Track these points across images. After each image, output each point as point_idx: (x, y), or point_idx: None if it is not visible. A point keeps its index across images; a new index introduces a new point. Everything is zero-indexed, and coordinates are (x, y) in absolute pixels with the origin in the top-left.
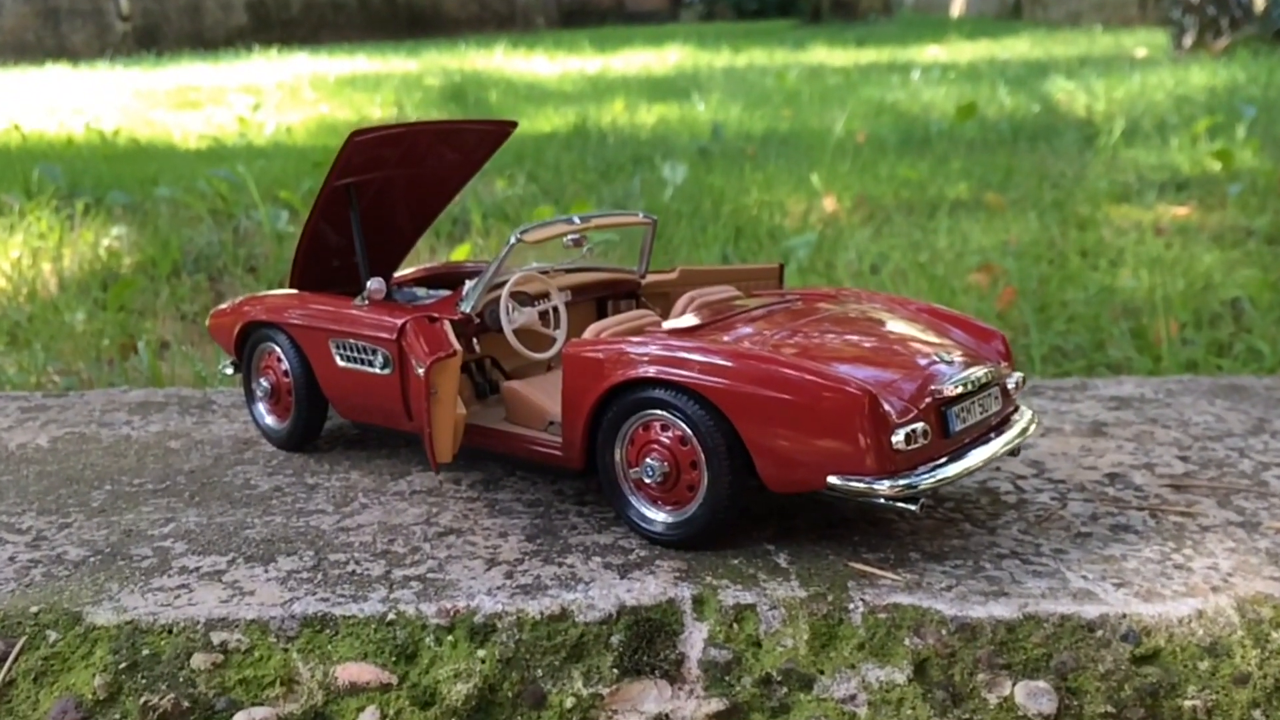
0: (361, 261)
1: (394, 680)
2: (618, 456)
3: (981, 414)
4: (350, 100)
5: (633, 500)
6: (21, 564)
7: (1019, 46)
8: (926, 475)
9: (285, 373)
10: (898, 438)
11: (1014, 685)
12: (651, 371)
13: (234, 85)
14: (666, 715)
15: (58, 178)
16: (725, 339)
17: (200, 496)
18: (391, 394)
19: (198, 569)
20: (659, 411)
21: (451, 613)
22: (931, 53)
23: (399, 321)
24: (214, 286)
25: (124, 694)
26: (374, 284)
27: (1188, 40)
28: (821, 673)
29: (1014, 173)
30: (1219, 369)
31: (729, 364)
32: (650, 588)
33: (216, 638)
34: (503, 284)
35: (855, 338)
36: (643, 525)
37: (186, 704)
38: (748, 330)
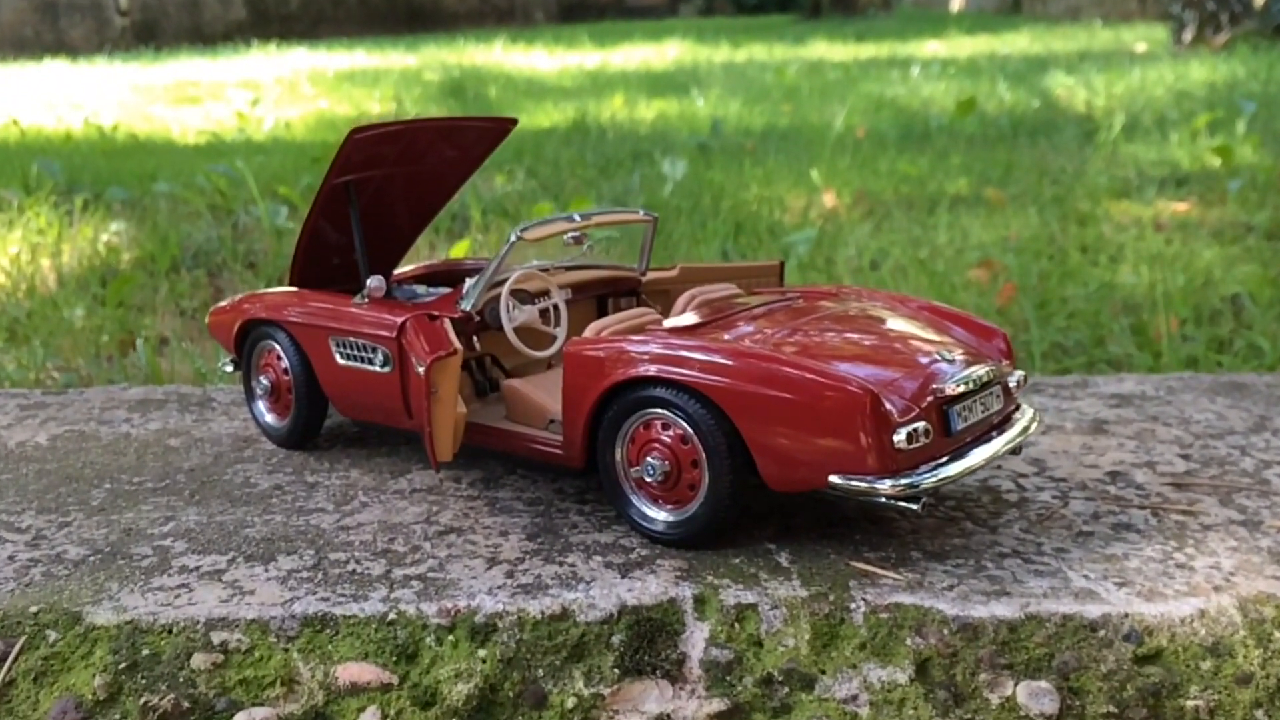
0: (361, 259)
1: (395, 680)
2: (618, 455)
3: (983, 413)
4: (349, 95)
5: (634, 499)
6: (21, 563)
7: (1019, 41)
8: (928, 474)
9: (285, 371)
10: (899, 437)
11: (1016, 685)
12: (652, 370)
13: (233, 80)
14: (668, 715)
15: (56, 173)
16: (726, 337)
17: (200, 495)
18: (392, 392)
19: (198, 568)
20: (660, 410)
21: (452, 612)
22: (931, 48)
23: (399, 319)
24: (213, 282)
25: (124, 694)
26: (374, 282)
27: (1187, 35)
28: (823, 673)
29: (1014, 168)
30: (1219, 365)
31: (730, 363)
32: (651, 587)
33: (217, 638)
34: (503, 282)
35: (856, 336)
36: (644, 524)
37: (187, 704)
38: (749, 329)
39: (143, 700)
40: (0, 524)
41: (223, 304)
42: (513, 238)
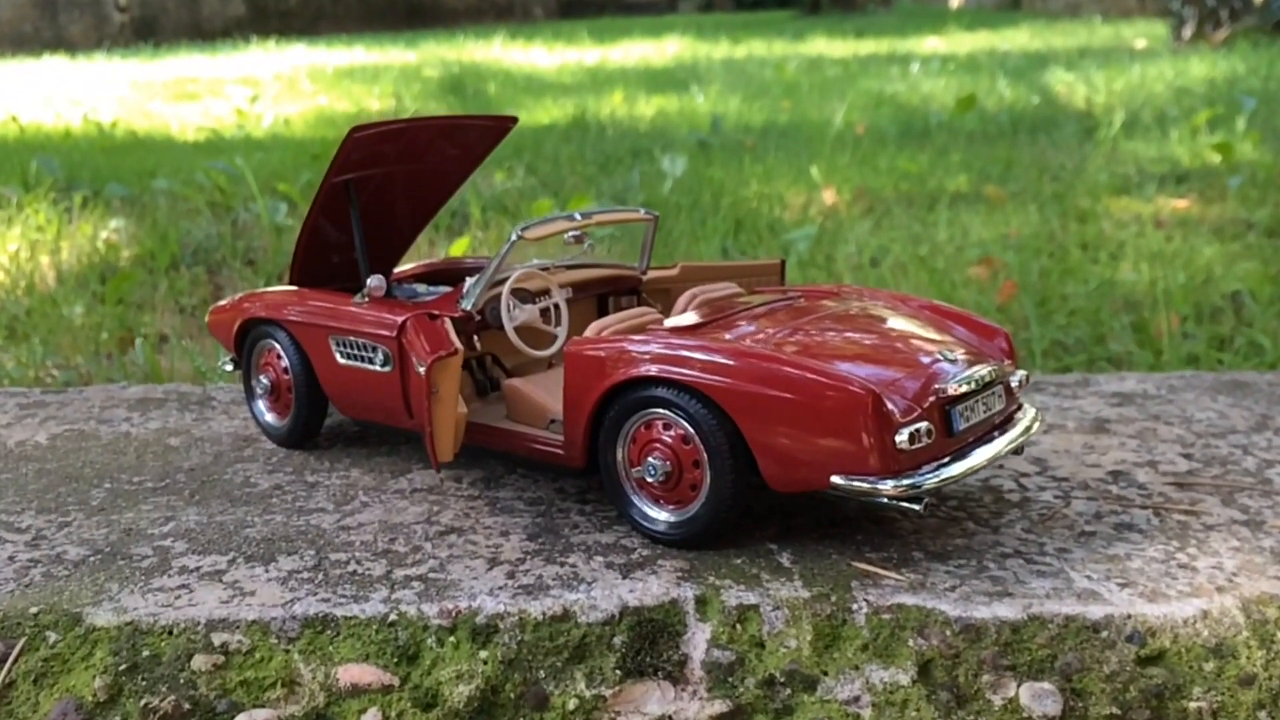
0: (361, 257)
1: (396, 681)
2: (620, 455)
3: (985, 412)
4: (348, 92)
5: (635, 499)
6: (21, 564)
7: (1018, 38)
8: (930, 475)
9: (285, 370)
10: (901, 437)
11: (1019, 686)
12: (653, 370)
13: (232, 77)
14: (670, 717)
15: (55, 170)
16: (727, 337)
17: (200, 495)
18: (392, 391)
19: (198, 569)
20: (661, 410)
21: (453, 613)
22: (931, 44)
23: (399, 319)
24: (212, 279)
25: (124, 696)
26: (374, 281)
27: (1187, 31)
28: (825, 674)
29: (1014, 165)
30: (1220, 363)
31: (731, 363)
32: (653, 588)
33: (217, 639)
34: (504, 281)
35: (858, 336)
36: (645, 524)
37: (187, 706)
38: (750, 328)
39: (143, 702)
40: (0, 524)
41: (222, 303)
42: (513, 237)
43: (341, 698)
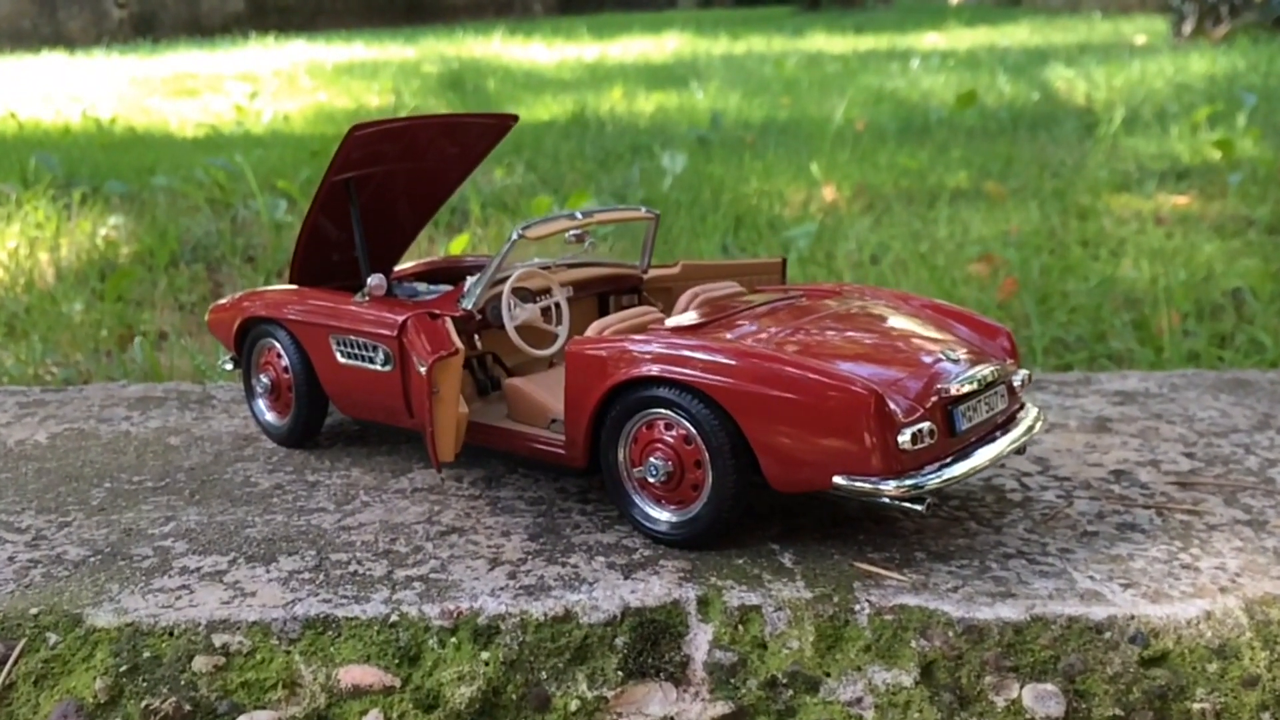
0: (362, 256)
1: (397, 683)
2: (621, 456)
3: (988, 412)
4: (348, 88)
5: (636, 499)
6: (21, 564)
7: (1018, 33)
8: (933, 475)
9: (285, 369)
10: (904, 437)
11: (1022, 688)
12: (655, 370)
13: (231, 73)
14: (672, 718)
15: (54, 166)
16: (729, 337)
17: (200, 494)
18: (393, 391)
19: (198, 569)
20: (663, 410)
21: (455, 614)
22: (930, 40)
23: (400, 318)
24: (212, 276)
25: (125, 697)
26: (374, 280)
27: (1187, 27)
28: (828, 675)
29: (1014, 161)
30: (1220, 360)
31: (733, 362)
32: (654, 588)
33: (218, 640)
34: (505, 280)
35: (860, 335)
36: (646, 524)
37: (188, 707)
38: (751, 328)
39: (144, 703)
40: (0, 524)
41: (222, 301)
42: (514, 236)
43: (343, 699)
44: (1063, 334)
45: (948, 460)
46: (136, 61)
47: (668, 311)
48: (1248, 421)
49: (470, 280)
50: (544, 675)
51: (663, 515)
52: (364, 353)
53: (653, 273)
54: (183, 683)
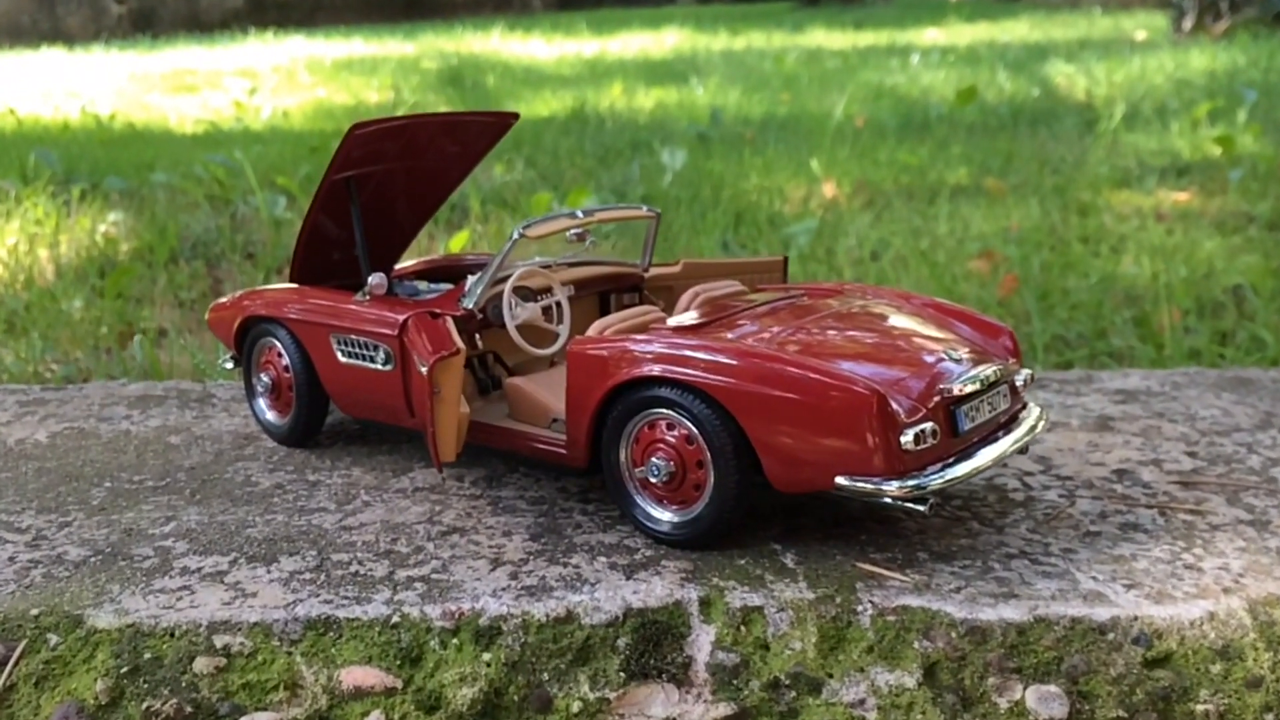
0: (362, 255)
1: (399, 684)
2: (623, 456)
3: (990, 412)
4: (347, 84)
5: (638, 500)
6: (21, 564)
7: (1018, 29)
8: (935, 476)
9: (286, 368)
10: (906, 438)
11: (1025, 689)
12: (656, 370)
13: (230, 69)
14: (674, 719)
15: (54, 163)
16: (730, 336)
17: (201, 494)
18: (393, 390)
19: (199, 569)
20: (665, 410)
21: (456, 615)
22: (930, 35)
23: (401, 317)
24: (212, 273)
25: (126, 699)
26: (375, 279)
27: (1187, 23)
28: (830, 676)
29: (1014, 158)
30: (1221, 358)
31: (735, 362)
32: (656, 589)
33: (219, 641)
34: (506, 279)
35: (862, 335)
36: (648, 525)
37: (189, 709)
38: (753, 327)
39: (145, 705)
40: (0, 524)
41: (223, 300)
42: (515, 235)
43: (344, 700)
44: (1063, 331)
45: (950, 460)
46: (135, 57)
47: (669, 310)
48: (1250, 420)
49: (471, 279)
50: (546, 676)
51: (665, 515)
52: (365, 352)
53: (654, 271)
54: (184, 684)
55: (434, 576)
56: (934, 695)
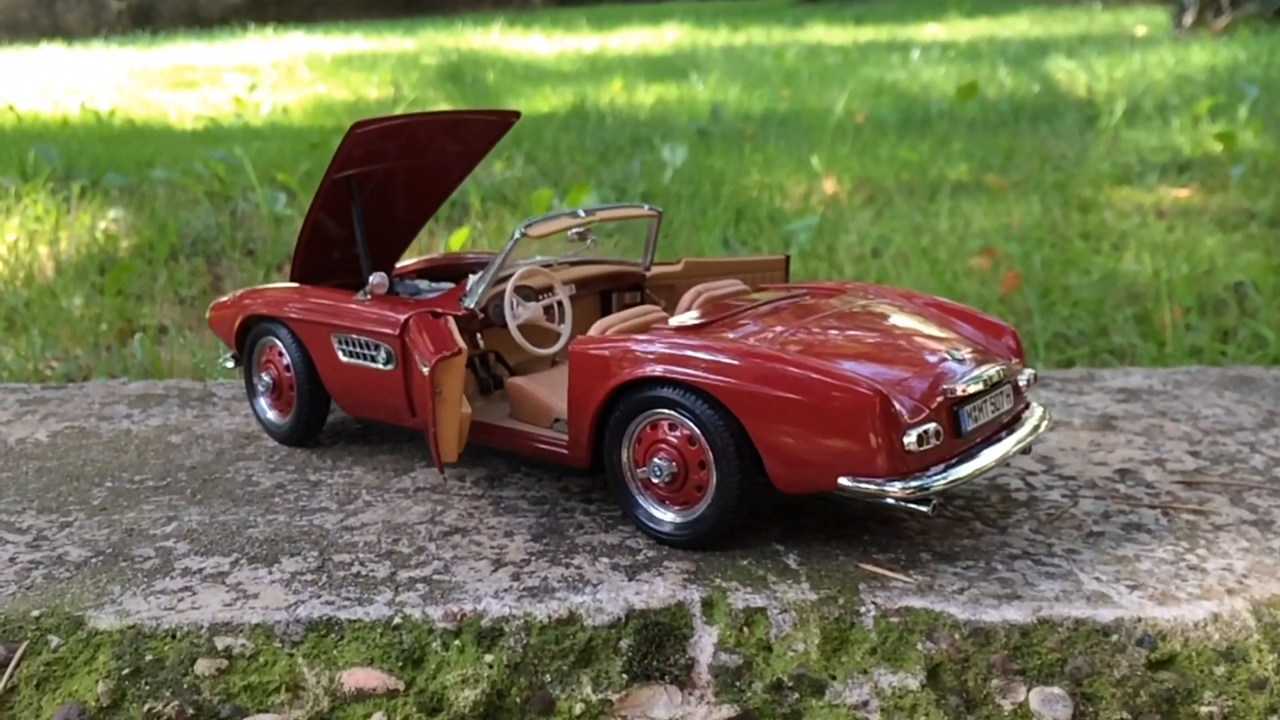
0: (363, 253)
1: (401, 686)
2: (625, 456)
3: (993, 413)
4: (347, 80)
5: (640, 500)
6: (22, 565)
7: (1019, 25)
8: (938, 476)
9: (287, 367)
10: (910, 439)
11: (1029, 691)
12: (658, 370)
13: (229, 65)
14: None
15: (54, 159)
16: (732, 336)
17: (202, 494)
18: (395, 390)
19: (200, 570)
20: (667, 411)
21: (458, 616)
22: (931, 31)
23: (402, 317)
24: (212, 270)
25: (127, 700)
26: (376, 278)
27: (1188, 19)
28: (833, 678)
29: (1015, 154)
30: (1223, 355)
31: (737, 363)
32: (659, 590)
33: (220, 643)
34: (507, 278)
35: (864, 335)
36: (650, 525)
37: (191, 711)
38: (755, 327)
39: (146, 707)
40: (1, 524)
41: (223, 299)
42: (516, 234)
43: (346, 702)
44: (1064, 329)
45: (953, 461)
46: (135, 53)
47: (671, 309)
48: (1253, 419)
49: (472, 279)
50: (548, 678)
51: (667, 516)
52: (366, 351)
53: (655, 270)
54: (185, 686)
55: (436, 577)
56: (937, 697)
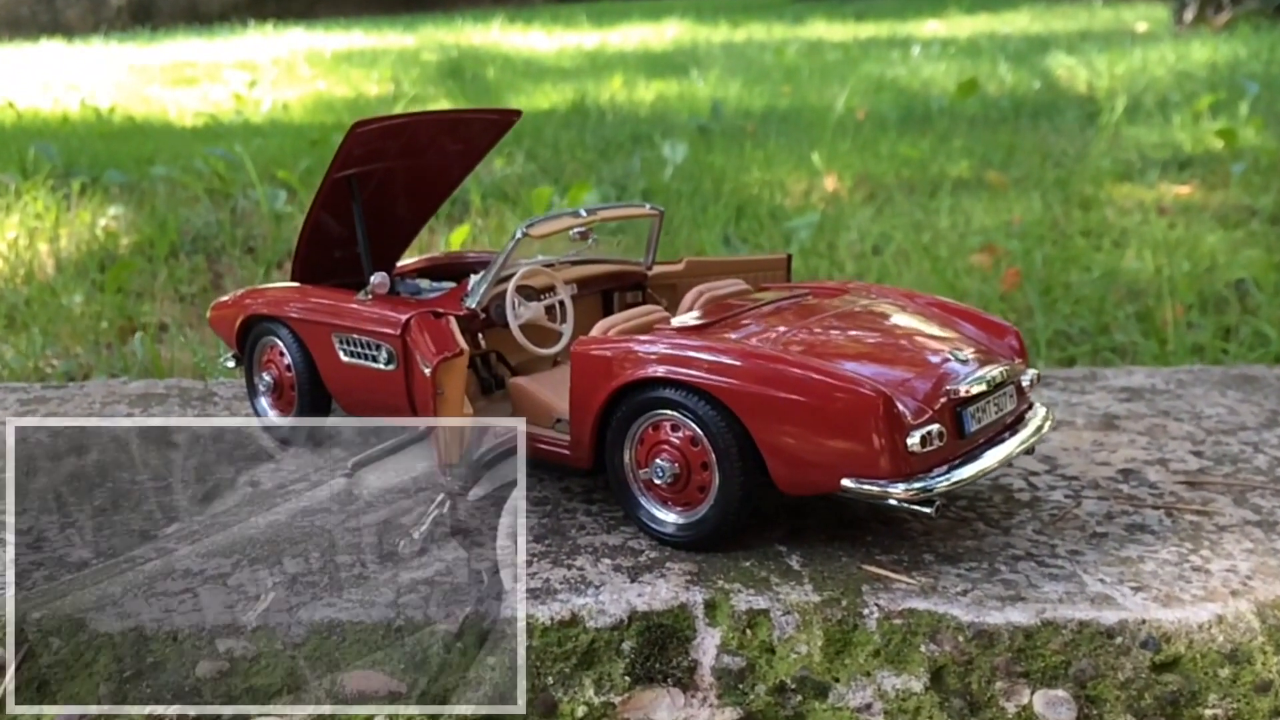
0: (364, 253)
1: (403, 688)
2: (627, 457)
3: (997, 413)
4: (347, 77)
5: (643, 501)
6: (23, 566)
7: (1019, 20)
8: (942, 478)
9: (288, 367)
10: (913, 440)
11: (1032, 694)
12: (660, 371)
13: (229, 61)
14: None
15: (54, 156)
16: (734, 337)
17: (203, 495)
18: (396, 390)
19: (202, 571)
20: (669, 411)
21: (460, 617)
22: (931, 27)
23: (403, 317)
24: (212, 267)
25: (129, 703)
26: (378, 278)
27: (1189, 15)
28: (836, 680)
29: (1016, 151)
30: (1224, 353)
31: (739, 364)
32: (661, 592)
33: (222, 645)
34: (509, 278)
35: (867, 335)
36: (653, 526)
37: (193, 713)
38: (758, 327)
39: (148, 710)
40: (2, 525)
41: (224, 299)
42: (518, 234)
43: (348, 704)
44: (1066, 326)
45: (956, 462)
46: (135, 50)
47: (673, 309)
48: (1256, 419)
49: (474, 278)
50: (550, 680)
51: (669, 517)
52: (367, 351)
53: (657, 269)
54: (187, 689)
55: (437, 579)
56: (941, 699)
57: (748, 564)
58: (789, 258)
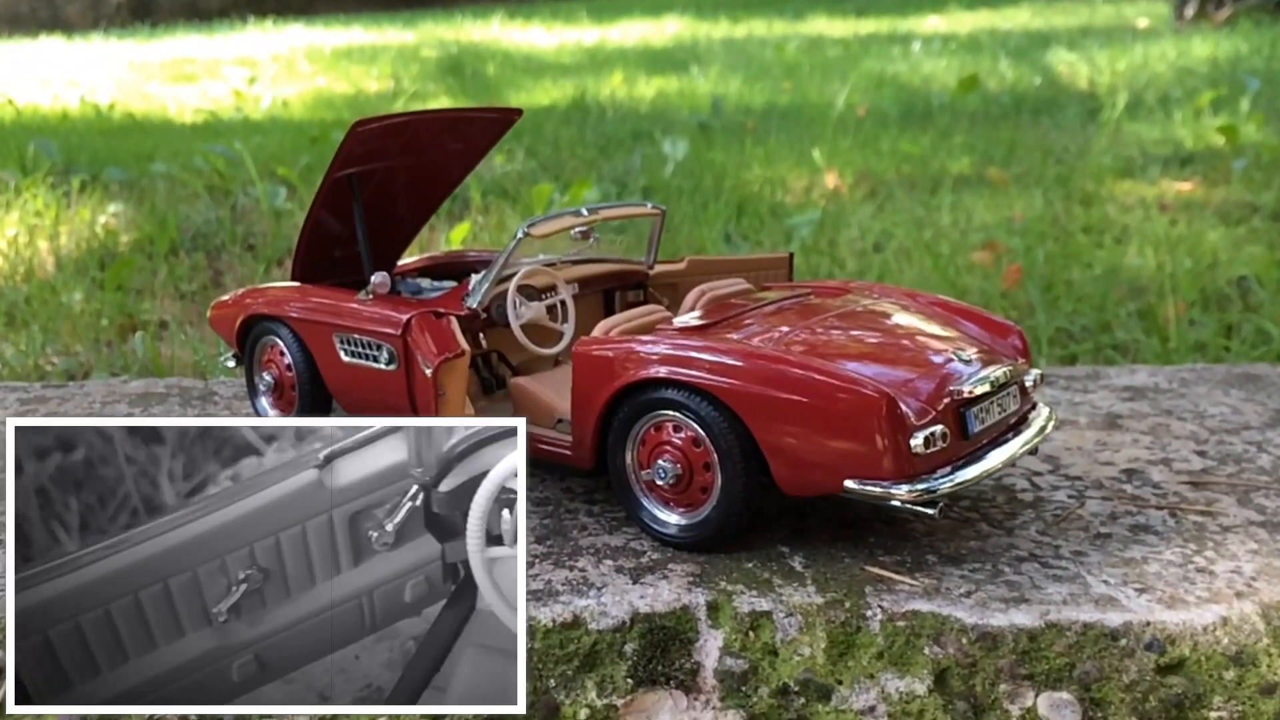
0: (364, 252)
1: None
2: (629, 458)
3: (1000, 414)
4: (347, 73)
5: (645, 502)
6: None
7: (1020, 16)
8: (945, 479)
9: (288, 367)
10: (916, 441)
11: (1037, 696)
12: (662, 372)
13: (229, 58)
14: None
15: (53, 153)
16: (736, 337)
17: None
18: (397, 390)
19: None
20: (671, 412)
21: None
22: (931, 23)
23: (404, 317)
24: (212, 265)
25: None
26: (379, 278)
27: (1189, 10)
28: (840, 683)
29: (1017, 147)
30: (1226, 350)
31: (741, 364)
32: (664, 593)
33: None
34: (510, 278)
35: (870, 335)
36: (655, 527)
37: (193, 714)
38: (760, 328)
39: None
40: (1, 525)
41: (224, 298)
42: (519, 234)
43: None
44: (1067, 324)
45: (960, 463)
46: (134, 46)
47: (674, 308)
48: (1259, 418)
49: (475, 278)
50: (552, 683)
51: (671, 518)
52: (368, 351)
53: (659, 268)
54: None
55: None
56: (945, 702)
57: (750, 565)
58: (791, 257)
